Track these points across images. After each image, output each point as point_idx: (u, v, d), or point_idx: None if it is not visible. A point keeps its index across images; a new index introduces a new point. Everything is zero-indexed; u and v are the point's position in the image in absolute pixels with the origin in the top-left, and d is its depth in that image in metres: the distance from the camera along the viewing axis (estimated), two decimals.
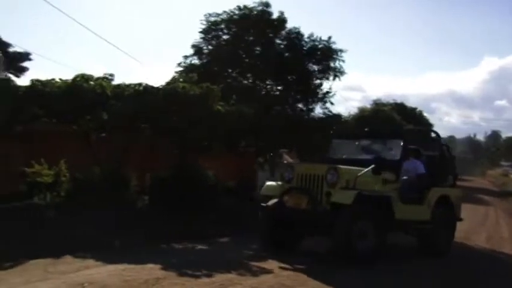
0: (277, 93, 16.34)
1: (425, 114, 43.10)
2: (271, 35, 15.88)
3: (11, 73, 25.80)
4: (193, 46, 16.00)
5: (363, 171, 7.60)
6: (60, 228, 8.25)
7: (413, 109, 40.69)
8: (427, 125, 37.02)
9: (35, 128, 10.93)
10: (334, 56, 15.86)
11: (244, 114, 12.06)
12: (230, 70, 16.03)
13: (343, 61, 15.99)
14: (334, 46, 15.90)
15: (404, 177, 8.48)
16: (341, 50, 15.86)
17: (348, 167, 7.85)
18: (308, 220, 7.63)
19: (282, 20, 15.84)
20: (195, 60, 15.93)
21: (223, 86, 13.12)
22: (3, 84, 10.54)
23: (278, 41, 16.12)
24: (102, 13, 59.36)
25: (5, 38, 31.52)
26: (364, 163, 8.00)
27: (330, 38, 15.96)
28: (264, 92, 16.21)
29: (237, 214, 10.80)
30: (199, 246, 8.53)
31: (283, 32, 15.97)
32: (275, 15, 15.75)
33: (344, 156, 8.98)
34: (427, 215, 8.56)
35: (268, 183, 8.85)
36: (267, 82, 16.32)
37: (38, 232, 7.86)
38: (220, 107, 11.39)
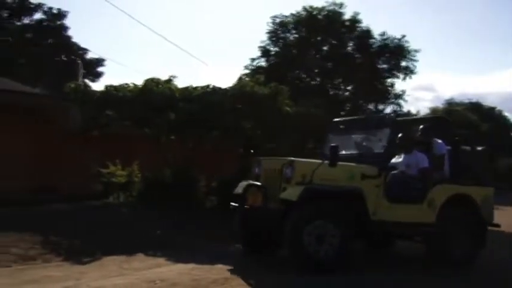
0: (347, 93, 16.11)
1: (505, 113, 40.83)
2: (342, 35, 15.66)
3: (88, 79, 27.20)
4: (260, 47, 16.11)
5: (320, 164, 6.59)
6: (132, 226, 8.55)
7: (492, 108, 38.71)
8: (507, 126, 34.97)
9: (110, 131, 11.46)
10: (407, 56, 15.36)
11: (312, 114, 11.95)
12: (297, 71, 15.97)
13: (415, 61, 15.47)
14: (407, 45, 15.43)
15: (394, 172, 7.25)
16: (415, 50, 15.33)
17: (306, 160, 6.98)
18: (260, 219, 6.75)
19: (355, 21, 15.55)
20: (262, 62, 16.03)
21: (291, 86, 13.08)
22: (82, 91, 11.12)
23: (348, 40, 15.88)
24: (169, 16, 61.25)
25: (82, 44, 33.47)
26: (355, 158, 7.16)
27: (403, 36, 15.50)
28: (332, 93, 16.03)
29: None
30: None
31: (356, 32, 15.69)
32: (348, 15, 15.49)
33: (343, 152, 7.41)
34: (430, 216, 7.10)
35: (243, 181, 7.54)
36: (336, 82, 16.11)
37: (112, 230, 8.18)
38: (288, 108, 11.36)
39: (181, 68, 61.07)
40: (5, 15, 32.83)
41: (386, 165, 7.15)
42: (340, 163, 6.66)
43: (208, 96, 10.76)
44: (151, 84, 10.69)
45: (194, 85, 11.27)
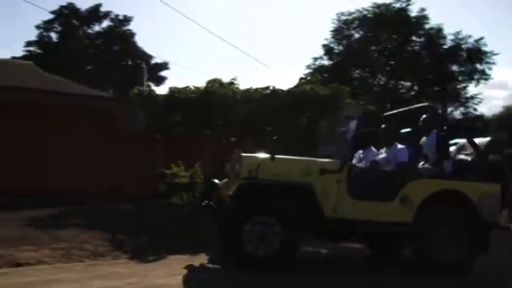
0: (412, 93, 15.61)
1: None
2: (408, 33, 15.16)
3: (152, 82, 28.10)
4: (324, 46, 15.93)
5: (265, 159, 6.27)
6: (195, 226, 8.69)
7: None
8: None
9: (173, 132, 11.76)
10: (484, 59, 14.38)
11: (374, 115, 11.69)
12: (361, 70, 15.68)
13: (493, 64, 14.46)
14: (483, 47, 14.45)
15: (359, 164, 6.82)
16: (493, 53, 14.35)
17: (253, 155, 6.55)
18: (214, 217, 6.54)
19: (422, 18, 14.98)
20: (325, 61, 15.84)
21: (354, 85, 12.88)
22: (147, 94, 11.50)
23: (415, 39, 15.32)
24: (229, 18, 62.00)
25: (146, 48, 34.67)
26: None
27: (481, 38, 14.59)
28: (397, 92, 15.61)
29: None
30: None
31: (423, 31, 15.09)
32: (415, 12, 14.93)
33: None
34: (404, 215, 6.30)
35: None
36: (401, 82, 15.65)
37: (176, 229, 8.37)
38: None
39: (242, 69, 61.63)
40: (77, 23, 34.63)
41: (347, 160, 6.51)
42: (294, 158, 6.50)
43: (268, 98, 10.79)
44: (214, 85, 10.86)
45: (255, 87, 11.37)
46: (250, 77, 58.50)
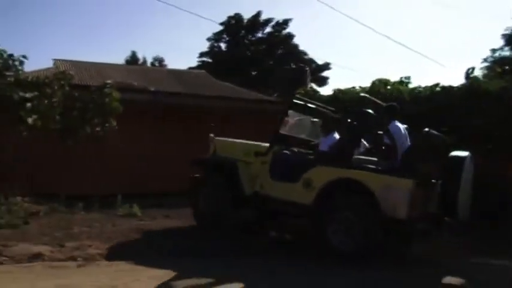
0: None
1: None
2: None
3: (314, 84, 28.48)
4: (504, 36, 14.39)
5: (222, 140, 8.18)
6: None
7: None
8: None
9: None
10: None
11: None
12: None
13: None
14: None
15: (283, 150, 7.56)
16: None
17: (219, 138, 8.24)
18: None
19: None
20: (506, 52, 14.27)
21: None
22: (310, 96, 11.65)
23: None
24: (393, 17, 59.77)
25: (307, 50, 35.29)
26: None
27: None
28: None
29: None
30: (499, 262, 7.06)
31: None
32: None
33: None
34: (306, 197, 6.78)
35: None
36: None
37: None
38: None
39: (413, 69, 58.79)
40: (243, 32, 36.82)
41: (273, 144, 7.44)
42: (242, 141, 8.07)
43: (436, 96, 10.13)
44: (379, 85, 10.56)
45: (423, 85, 10.75)
46: (422, 76, 55.62)
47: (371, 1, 57.70)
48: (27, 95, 8.51)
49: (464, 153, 6.82)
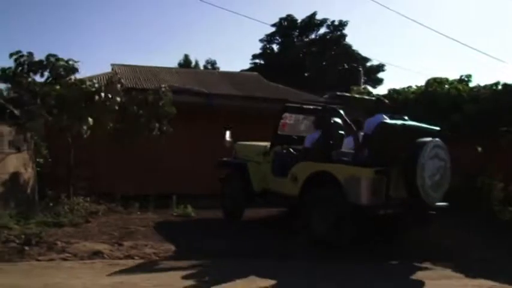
0: None
1: None
2: None
3: (368, 85, 27.97)
4: None
5: (240, 144, 9.18)
6: (415, 233, 8.30)
7: None
8: None
9: None
10: None
11: None
12: None
13: None
14: None
15: (278, 150, 8.51)
16: None
17: (240, 143, 9.19)
18: None
19: None
20: None
21: None
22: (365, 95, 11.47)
23: None
24: (453, 15, 57.79)
25: (361, 51, 34.74)
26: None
27: None
28: None
29: None
30: None
31: None
32: None
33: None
34: (294, 189, 7.67)
35: None
36: None
37: (392, 236, 8.13)
38: None
39: (473, 68, 56.53)
40: (295, 33, 36.75)
41: (273, 144, 8.51)
42: (255, 143, 9.02)
43: (497, 95, 9.70)
44: (435, 84, 10.23)
45: (483, 84, 10.31)
46: (479, 74, 53.48)
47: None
48: (86, 96, 8.87)
49: (427, 139, 6.94)
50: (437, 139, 7.04)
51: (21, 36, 51.12)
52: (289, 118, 8.93)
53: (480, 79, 35.90)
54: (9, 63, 8.61)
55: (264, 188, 8.42)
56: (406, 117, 7.47)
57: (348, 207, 6.82)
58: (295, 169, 7.78)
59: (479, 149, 10.18)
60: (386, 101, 8.06)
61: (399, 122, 7.19)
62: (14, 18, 53.89)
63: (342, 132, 7.83)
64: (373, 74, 34.41)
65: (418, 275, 6.18)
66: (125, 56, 66.49)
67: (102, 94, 8.97)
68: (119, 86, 9.45)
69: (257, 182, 8.48)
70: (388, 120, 7.09)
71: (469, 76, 10.55)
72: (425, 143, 6.88)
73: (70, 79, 8.92)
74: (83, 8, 59.40)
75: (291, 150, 8.43)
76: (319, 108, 8.59)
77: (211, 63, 41.30)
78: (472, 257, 7.16)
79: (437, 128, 7.48)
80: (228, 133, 9.03)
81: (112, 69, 14.72)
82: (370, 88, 22.85)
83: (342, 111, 7.69)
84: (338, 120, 7.79)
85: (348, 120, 7.61)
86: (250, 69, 32.86)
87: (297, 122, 9.20)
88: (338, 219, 6.90)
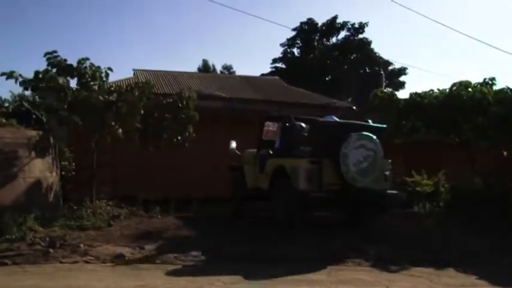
0: None
1: None
2: None
3: (390, 88, 27.64)
4: None
5: (243, 151, 10.34)
6: (440, 238, 8.18)
7: None
8: None
9: (412, 138, 11.31)
10: None
11: None
12: None
13: None
14: None
15: (262, 152, 9.63)
16: None
17: (247, 150, 10.28)
18: None
19: None
20: None
21: None
22: (388, 98, 11.33)
23: None
24: (470, 15, 56.86)
25: (383, 54, 34.41)
26: None
27: None
28: None
29: None
30: None
31: None
32: None
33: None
34: (266, 183, 9.07)
35: None
36: None
37: (419, 240, 8.02)
38: None
39: (500, 71, 55.29)
40: (316, 37, 36.61)
41: (259, 148, 9.87)
42: (250, 150, 10.17)
43: None
44: (459, 88, 10.06)
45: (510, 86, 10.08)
46: (505, 77, 52.36)
47: (448, 1, 55.34)
48: (111, 98, 8.99)
49: (353, 133, 8.11)
50: (364, 132, 8.17)
51: (47, 40, 52.12)
52: (272, 126, 10.14)
53: (504, 81, 35.23)
54: (31, 69, 8.70)
55: (255, 186, 9.61)
56: (369, 121, 9.10)
57: (296, 193, 8.13)
58: (266, 166, 9.21)
59: (505, 153, 10.00)
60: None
61: (334, 120, 9.03)
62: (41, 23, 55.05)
63: (305, 133, 9.00)
64: (395, 77, 34.05)
65: (441, 280, 6.07)
66: (144, 62, 67.28)
67: (129, 98, 9.08)
68: (143, 90, 9.50)
69: (249, 181, 9.79)
70: (321, 119, 9.11)
71: (492, 79, 10.33)
72: (349, 135, 8.05)
73: (98, 84, 9.05)
74: (103, 13, 60.39)
75: (270, 152, 9.56)
76: (281, 116, 10.02)
77: (227, 68, 41.47)
78: (498, 264, 6.99)
79: (376, 125, 8.81)
80: (233, 143, 10.19)
81: (134, 74, 14.91)
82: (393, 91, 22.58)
83: (293, 119, 9.15)
84: (302, 124, 9.09)
85: (297, 124, 9.07)
86: (270, 73, 32.88)
87: (278, 128, 10.28)
88: (288, 204, 8.29)
